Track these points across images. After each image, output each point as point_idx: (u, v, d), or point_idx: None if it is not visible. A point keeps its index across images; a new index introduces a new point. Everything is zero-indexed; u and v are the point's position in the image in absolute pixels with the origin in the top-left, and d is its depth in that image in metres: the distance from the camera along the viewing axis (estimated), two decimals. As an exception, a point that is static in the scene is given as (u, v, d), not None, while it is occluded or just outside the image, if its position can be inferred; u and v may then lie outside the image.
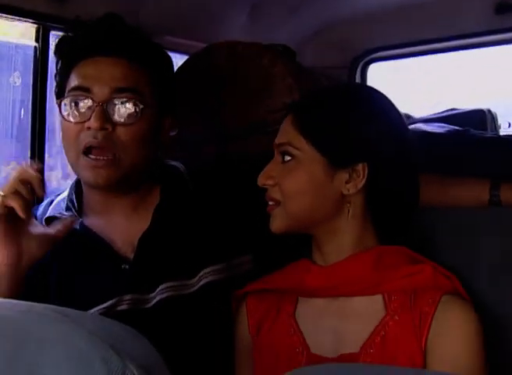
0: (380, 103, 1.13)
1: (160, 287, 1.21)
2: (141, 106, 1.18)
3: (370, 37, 2.27)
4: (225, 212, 1.29)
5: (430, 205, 1.22)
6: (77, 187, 1.28)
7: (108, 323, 0.58)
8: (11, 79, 1.57)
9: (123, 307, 1.19)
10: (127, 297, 1.19)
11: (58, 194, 1.31)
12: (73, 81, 1.19)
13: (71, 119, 1.18)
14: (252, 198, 1.21)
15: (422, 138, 1.43)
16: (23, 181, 1.04)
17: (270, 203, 1.12)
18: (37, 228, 1.10)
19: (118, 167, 1.17)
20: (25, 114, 1.57)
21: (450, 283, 1.07)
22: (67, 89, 1.20)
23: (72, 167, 1.22)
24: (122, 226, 1.24)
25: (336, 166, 1.07)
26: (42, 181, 1.07)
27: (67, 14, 1.41)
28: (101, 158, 1.16)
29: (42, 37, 1.43)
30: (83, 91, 1.18)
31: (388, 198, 1.09)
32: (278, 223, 1.11)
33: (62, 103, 1.19)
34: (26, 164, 1.10)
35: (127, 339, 0.57)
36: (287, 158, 1.10)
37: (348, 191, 1.07)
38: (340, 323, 1.09)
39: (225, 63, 1.56)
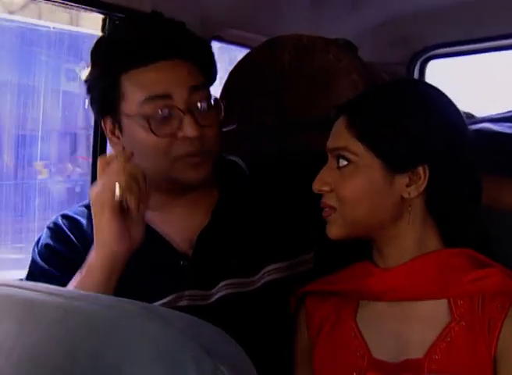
0: (438, 101, 1.09)
1: (220, 284, 1.20)
2: (216, 99, 1.20)
3: (430, 34, 2.22)
4: (286, 208, 1.27)
5: (497, 208, 1.18)
6: None
7: (195, 322, 0.57)
8: (77, 68, 1.57)
9: (183, 303, 1.18)
10: (187, 293, 1.19)
11: None
12: (141, 91, 1.14)
13: (161, 134, 1.14)
14: (313, 194, 1.20)
15: (491, 138, 1.39)
16: (132, 177, 1.02)
17: (326, 209, 1.09)
18: (138, 216, 1.08)
19: (211, 161, 1.19)
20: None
21: None
22: (137, 101, 1.15)
23: (163, 172, 1.17)
24: (181, 223, 1.24)
25: (395, 170, 1.04)
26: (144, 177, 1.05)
27: (132, 5, 1.41)
28: (201, 157, 1.16)
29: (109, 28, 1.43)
30: (163, 98, 1.14)
31: (449, 200, 1.06)
32: (335, 229, 1.09)
33: (138, 116, 1.14)
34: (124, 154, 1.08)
35: (216, 339, 0.56)
36: (343, 163, 1.06)
37: (409, 194, 1.04)
38: (403, 327, 1.06)
39: (289, 57, 1.54)
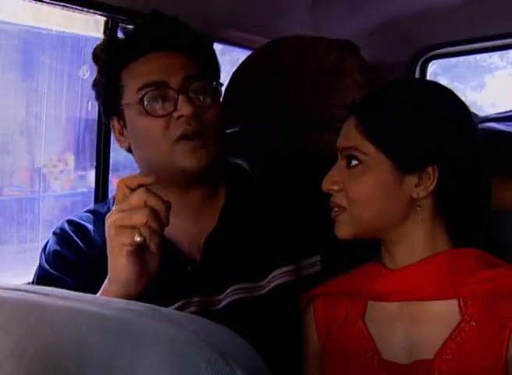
0: (449, 102, 1.08)
1: (229, 290, 1.19)
2: (215, 84, 1.20)
3: (431, 33, 2.22)
4: (293, 210, 1.26)
5: (505, 208, 1.18)
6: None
7: (207, 325, 0.57)
8: (80, 71, 1.57)
9: (192, 309, 1.17)
10: (195, 299, 1.18)
11: None
12: (138, 80, 1.17)
13: (156, 113, 1.15)
14: (320, 195, 1.19)
15: (495, 137, 1.39)
16: (154, 212, 0.95)
17: (335, 209, 1.09)
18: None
19: (212, 147, 1.16)
20: (92, 107, 1.57)
21: None
22: (134, 90, 1.17)
23: (164, 159, 1.16)
24: (188, 227, 1.22)
25: (405, 171, 1.03)
26: (168, 208, 0.98)
27: (136, 7, 1.41)
28: (199, 139, 1.14)
29: (111, 30, 1.43)
30: (158, 85, 1.16)
31: (459, 200, 1.06)
32: (344, 229, 1.08)
33: (135, 103, 1.16)
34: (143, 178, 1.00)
35: (230, 342, 0.55)
36: (353, 162, 1.06)
37: (418, 194, 1.04)
38: (413, 328, 1.06)
39: (291, 58, 1.54)
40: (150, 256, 0.99)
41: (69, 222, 1.23)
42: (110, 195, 1.32)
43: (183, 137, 1.14)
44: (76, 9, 1.35)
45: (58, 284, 1.09)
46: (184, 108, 1.13)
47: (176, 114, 1.14)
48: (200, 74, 1.19)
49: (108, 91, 1.21)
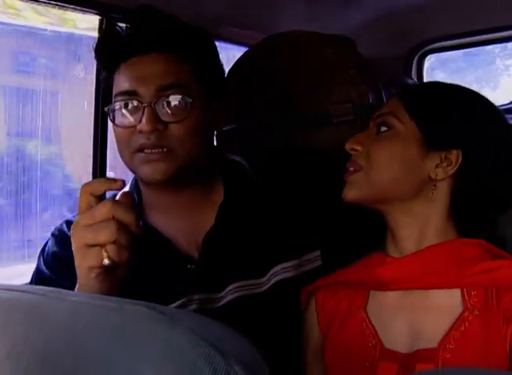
0: (484, 101, 1.11)
1: (229, 287, 1.18)
2: (189, 100, 1.13)
3: (427, 28, 2.22)
4: (292, 206, 1.25)
5: None
6: (136, 184, 1.25)
7: (206, 321, 0.57)
8: (75, 71, 1.57)
9: (193, 307, 1.17)
10: (196, 297, 1.17)
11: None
12: (117, 87, 1.16)
13: (122, 124, 1.14)
14: (319, 191, 1.18)
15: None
16: (123, 226, 0.90)
17: (350, 169, 1.09)
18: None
19: (174, 160, 1.13)
20: (88, 106, 1.56)
21: None
22: (113, 95, 1.16)
23: (128, 166, 1.17)
24: (186, 225, 1.21)
25: (430, 147, 1.05)
26: (138, 218, 0.92)
27: (130, 5, 1.39)
28: (156, 151, 1.12)
29: (105, 29, 1.41)
30: (129, 94, 1.13)
31: (476, 192, 1.06)
32: (354, 190, 1.09)
33: (110, 110, 1.15)
34: (110, 183, 0.94)
35: (228, 338, 0.55)
36: (384, 128, 1.08)
37: (436, 175, 1.05)
38: (415, 317, 1.05)
39: (288, 54, 1.54)
40: (121, 269, 0.95)
41: (68, 222, 1.22)
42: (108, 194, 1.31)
43: (141, 149, 1.13)
44: (71, 8, 1.35)
45: (55, 285, 1.08)
46: (144, 125, 1.11)
47: (138, 128, 1.12)
48: (177, 83, 1.14)
49: (106, 92, 1.22)
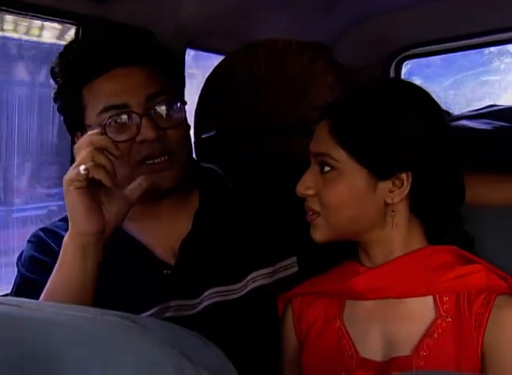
0: (422, 102, 1.07)
1: (206, 293, 1.19)
2: (180, 105, 1.17)
3: (405, 34, 2.24)
4: (267, 213, 1.27)
5: (478, 204, 1.19)
6: None
7: (177, 330, 0.57)
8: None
9: (169, 314, 1.17)
10: (172, 303, 1.18)
11: None
12: (99, 102, 1.13)
13: (120, 138, 1.11)
14: (294, 197, 1.19)
15: (468, 135, 1.40)
16: (99, 149, 0.97)
17: (310, 213, 1.09)
18: (115, 193, 1.02)
19: (178, 165, 1.15)
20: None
21: (505, 284, 1.04)
22: (96, 112, 1.14)
23: (127, 180, 1.10)
24: (162, 232, 1.22)
25: (378, 177, 1.03)
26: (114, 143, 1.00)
27: (106, 15, 1.40)
28: (160, 160, 1.13)
29: (76, 41, 1.40)
30: (119, 108, 1.12)
31: (432, 201, 1.06)
32: (320, 233, 1.09)
33: (97, 126, 1.12)
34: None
35: (198, 346, 0.55)
36: (326, 168, 1.05)
37: (392, 200, 1.04)
38: (390, 325, 1.07)
39: (264, 61, 1.55)
40: (107, 199, 1.01)
41: (44, 229, 1.23)
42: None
43: (147, 158, 1.13)
44: (46, 19, 1.34)
45: (38, 287, 1.08)
46: (147, 133, 1.11)
47: (138, 138, 1.12)
48: (162, 90, 1.16)
49: (69, 111, 1.19)
